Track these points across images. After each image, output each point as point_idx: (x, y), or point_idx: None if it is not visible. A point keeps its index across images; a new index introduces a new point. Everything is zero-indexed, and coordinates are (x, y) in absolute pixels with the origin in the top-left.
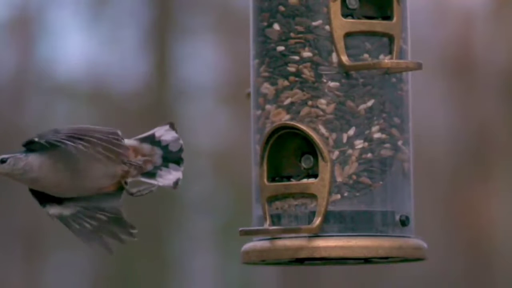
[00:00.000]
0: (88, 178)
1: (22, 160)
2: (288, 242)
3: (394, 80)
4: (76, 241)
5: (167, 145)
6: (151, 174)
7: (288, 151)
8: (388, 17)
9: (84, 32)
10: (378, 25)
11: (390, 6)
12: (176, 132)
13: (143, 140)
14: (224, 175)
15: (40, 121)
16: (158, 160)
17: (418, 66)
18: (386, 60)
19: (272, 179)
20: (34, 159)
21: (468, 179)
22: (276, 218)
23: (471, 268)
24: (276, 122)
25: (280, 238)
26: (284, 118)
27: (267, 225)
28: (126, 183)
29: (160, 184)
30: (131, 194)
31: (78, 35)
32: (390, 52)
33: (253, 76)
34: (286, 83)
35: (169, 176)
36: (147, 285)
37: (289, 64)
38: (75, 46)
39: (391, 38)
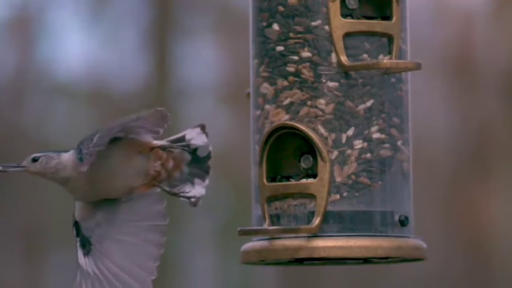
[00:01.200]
0: (120, 175)
1: (54, 158)
2: (287, 242)
3: (393, 80)
4: (76, 241)
5: (195, 149)
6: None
7: (287, 151)
8: (387, 17)
9: (84, 32)
10: (377, 25)
11: (389, 6)
12: (207, 136)
13: (173, 142)
14: (224, 175)
15: (40, 121)
16: (185, 168)
17: (417, 66)
18: (385, 60)
19: (271, 179)
20: (66, 158)
21: (468, 179)
22: (275, 218)
23: (471, 268)
24: (275, 122)
25: (279, 238)
26: (283, 118)
27: (266, 225)
28: (160, 182)
29: (189, 195)
30: (174, 194)
31: (78, 35)
32: (390, 52)
33: (253, 76)
34: (285, 83)
35: (192, 191)
36: None
37: (289, 64)
38: (75, 46)
39: (390, 38)
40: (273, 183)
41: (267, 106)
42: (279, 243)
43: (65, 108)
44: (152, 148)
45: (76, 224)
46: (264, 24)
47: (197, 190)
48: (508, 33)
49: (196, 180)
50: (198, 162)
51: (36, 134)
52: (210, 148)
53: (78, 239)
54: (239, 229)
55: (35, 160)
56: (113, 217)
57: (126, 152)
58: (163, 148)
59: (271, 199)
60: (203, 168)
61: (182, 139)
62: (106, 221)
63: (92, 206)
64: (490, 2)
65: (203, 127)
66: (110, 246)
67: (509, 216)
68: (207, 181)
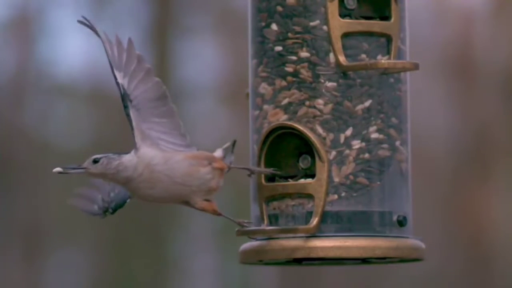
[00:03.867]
0: (186, 183)
1: (115, 160)
2: (285, 242)
3: (392, 80)
4: (76, 241)
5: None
6: None
7: (285, 151)
8: (386, 18)
9: (84, 32)
10: (376, 25)
11: (388, 6)
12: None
13: (225, 151)
14: (224, 175)
15: (40, 121)
16: None
17: (415, 67)
18: (383, 61)
19: (269, 179)
20: (128, 159)
21: (468, 179)
22: (273, 218)
23: (470, 268)
24: (273, 122)
25: (277, 238)
26: (282, 118)
27: (264, 225)
28: (220, 214)
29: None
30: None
31: (78, 35)
32: (388, 53)
33: (251, 76)
34: (283, 83)
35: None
36: (147, 285)
37: (287, 64)
38: (75, 46)
39: (389, 39)
40: (271, 183)
41: (265, 106)
42: (277, 243)
43: (65, 108)
44: (221, 166)
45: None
46: (263, 24)
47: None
48: (508, 33)
49: None
50: None
51: (36, 134)
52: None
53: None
54: (237, 229)
55: (96, 161)
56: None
57: (193, 163)
58: (229, 167)
59: (269, 199)
60: None
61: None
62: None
63: None
64: (490, 2)
65: (234, 142)
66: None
67: (509, 216)
68: None
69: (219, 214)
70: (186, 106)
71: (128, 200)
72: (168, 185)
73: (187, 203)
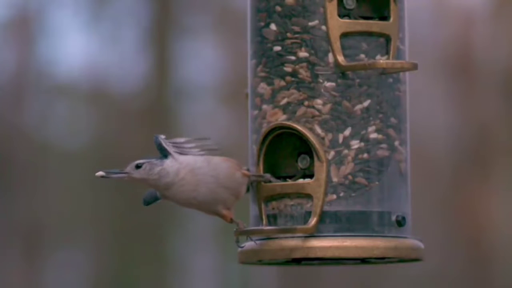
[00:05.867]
0: (225, 186)
1: (158, 165)
2: (283, 242)
3: (391, 80)
4: (76, 241)
5: None
6: None
7: (284, 151)
8: (385, 18)
9: (84, 32)
10: (374, 25)
11: (387, 6)
12: None
13: None
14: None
15: (40, 121)
16: None
17: (414, 67)
18: (381, 61)
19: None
20: (169, 165)
21: (468, 179)
22: (272, 218)
23: (470, 268)
24: (272, 122)
25: (275, 238)
26: (281, 118)
27: (263, 225)
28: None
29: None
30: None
31: (78, 35)
32: (387, 53)
33: (250, 76)
34: (282, 83)
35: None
36: (147, 285)
37: (286, 64)
38: (75, 46)
39: (387, 39)
40: (270, 183)
41: (264, 106)
42: (276, 243)
43: (65, 108)
44: (247, 174)
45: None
46: (262, 24)
47: None
48: (508, 33)
49: None
50: None
51: (36, 134)
52: None
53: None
54: (235, 229)
55: (138, 166)
56: None
57: (230, 165)
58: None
59: (268, 199)
60: None
61: None
62: None
63: None
64: (490, 2)
65: None
66: None
67: (509, 216)
68: None
69: (233, 222)
70: (186, 106)
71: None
72: (213, 187)
73: (216, 211)
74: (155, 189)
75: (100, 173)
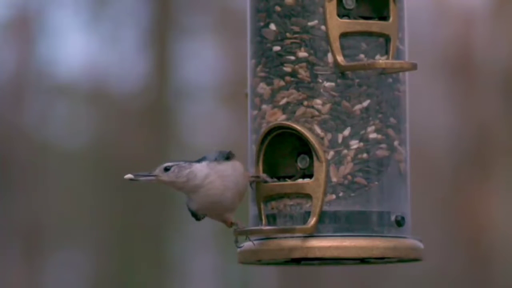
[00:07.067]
0: (240, 189)
1: (186, 168)
2: (282, 242)
3: (390, 80)
4: (76, 241)
5: None
6: None
7: (284, 151)
8: (384, 18)
9: (84, 32)
10: (374, 25)
11: (386, 6)
12: None
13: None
14: None
15: (40, 121)
16: None
17: (413, 67)
18: (380, 61)
19: None
20: (199, 169)
21: (468, 179)
22: (271, 218)
23: (470, 268)
24: (271, 122)
25: (275, 238)
26: (280, 118)
27: (262, 225)
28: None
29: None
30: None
31: (78, 35)
32: (387, 53)
33: (250, 76)
34: (282, 83)
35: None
36: (147, 285)
37: (285, 64)
38: (75, 46)
39: (387, 39)
40: (269, 183)
41: (264, 106)
42: (275, 243)
43: (65, 108)
44: (248, 176)
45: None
46: (262, 24)
47: None
48: (508, 33)
49: None
50: None
51: (36, 134)
52: None
53: None
54: (234, 229)
55: (167, 169)
56: None
57: (245, 173)
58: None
59: (267, 199)
60: None
61: None
62: None
63: None
64: (490, 2)
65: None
66: None
67: (508, 216)
68: None
69: (233, 225)
70: (186, 106)
71: None
72: (235, 193)
73: (225, 216)
74: (182, 191)
75: (129, 175)
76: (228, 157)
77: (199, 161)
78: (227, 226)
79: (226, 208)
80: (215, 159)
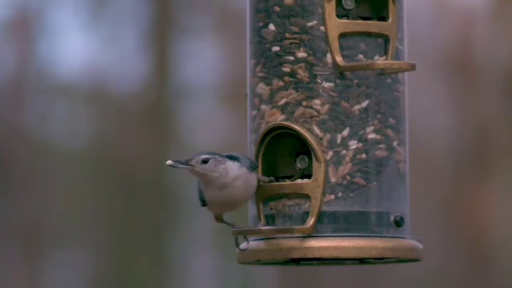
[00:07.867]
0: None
1: (222, 163)
2: (281, 242)
3: (389, 80)
4: (76, 241)
5: None
6: None
7: (283, 151)
8: (383, 18)
9: (84, 32)
10: (373, 25)
11: (385, 7)
12: None
13: None
14: None
15: (40, 121)
16: None
17: (412, 67)
18: (379, 61)
19: None
20: (232, 168)
21: (468, 179)
22: (270, 218)
23: (470, 268)
24: (271, 123)
25: (274, 238)
26: (279, 118)
27: (261, 225)
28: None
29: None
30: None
31: (78, 35)
32: (386, 53)
33: (249, 76)
34: (281, 83)
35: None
36: (147, 285)
37: (284, 65)
38: (75, 46)
39: (386, 39)
40: (269, 183)
41: (263, 107)
42: (274, 243)
43: (65, 108)
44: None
45: None
46: (261, 24)
47: None
48: (508, 33)
49: None
50: None
51: (36, 134)
52: None
53: None
54: (233, 229)
55: (205, 162)
56: None
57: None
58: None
59: (266, 199)
60: None
61: None
62: None
63: None
64: (490, 2)
65: None
66: None
67: (509, 216)
68: None
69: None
70: (185, 106)
71: None
72: (245, 201)
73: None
74: (206, 184)
75: (170, 162)
76: (255, 168)
77: (231, 158)
78: (216, 221)
79: (230, 210)
80: (247, 168)
